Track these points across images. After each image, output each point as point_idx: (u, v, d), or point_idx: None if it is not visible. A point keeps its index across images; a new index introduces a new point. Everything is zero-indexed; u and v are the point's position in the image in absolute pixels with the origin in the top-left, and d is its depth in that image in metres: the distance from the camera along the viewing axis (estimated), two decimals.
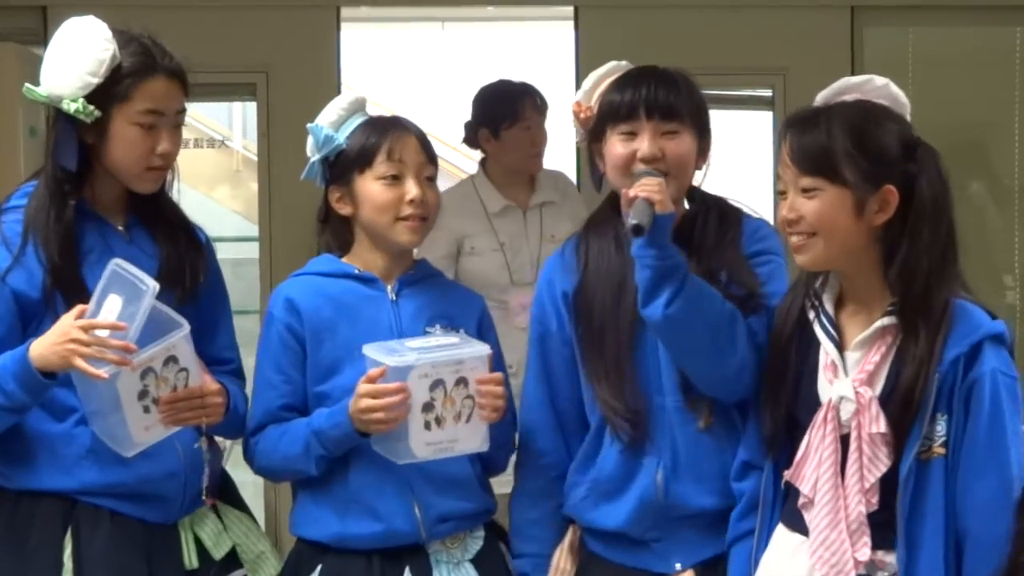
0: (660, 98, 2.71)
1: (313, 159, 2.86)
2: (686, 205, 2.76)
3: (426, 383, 2.62)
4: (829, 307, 2.48)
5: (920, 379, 2.33)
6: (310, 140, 2.87)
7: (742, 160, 6.61)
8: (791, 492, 2.51)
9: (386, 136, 2.81)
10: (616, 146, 2.71)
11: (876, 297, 2.43)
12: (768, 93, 6.17)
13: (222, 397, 2.72)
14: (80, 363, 2.50)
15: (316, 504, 2.81)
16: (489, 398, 2.67)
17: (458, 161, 9.14)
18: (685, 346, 2.62)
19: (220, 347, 2.88)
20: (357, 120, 2.86)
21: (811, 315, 2.49)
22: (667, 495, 2.68)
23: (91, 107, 2.64)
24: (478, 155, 4.90)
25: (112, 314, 2.53)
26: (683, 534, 2.69)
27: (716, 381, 2.63)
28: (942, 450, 2.35)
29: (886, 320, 2.40)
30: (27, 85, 2.70)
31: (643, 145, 2.68)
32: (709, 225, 2.74)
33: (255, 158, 6.40)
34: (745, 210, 2.80)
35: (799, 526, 2.48)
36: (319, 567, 2.78)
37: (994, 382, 2.34)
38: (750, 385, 2.62)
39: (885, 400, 2.37)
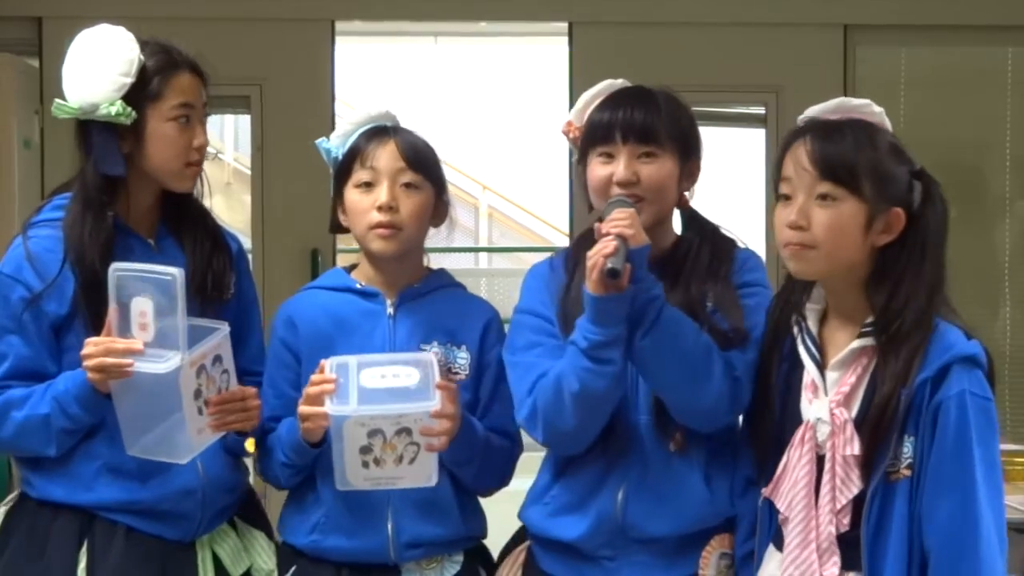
0: (636, 120, 2.63)
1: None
2: (677, 231, 2.74)
3: (363, 431, 2.58)
4: (812, 325, 2.47)
5: (893, 400, 2.33)
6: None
7: (734, 177, 6.64)
8: (776, 511, 2.51)
9: (367, 144, 2.79)
10: (595, 168, 2.67)
11: (857, 314, 2.42)
12: (761, 111, 6.20)
13: (259, 400, 2.74)
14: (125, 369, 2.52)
15: (297, 510, 2.82)
16: (431, 440, 2.61)
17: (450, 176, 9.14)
18: (659, 377, 2.58)
19: (249, 358, 2.86)
20: (361, 131, 2.83)
21: (795, 332, 2.48)
22: (625, 516, 2.63)
23: (129, 108, 2.64)
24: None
25: (148, 313, 2.53)
26: (637, 556, 2.64)
27: (691, 413, 2.59)
28: (908, 472, 2.34)
29: (860, 342, 2.40)
30: (57, 101, 2.69)
31: (618, 168, 2.63)
32: (702, 254, 2.68)
33: (246, 171, 6.40)
34: (737, 241, 2.75)
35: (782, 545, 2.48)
36: (293, 568, 2.80)
37: (961, 405, 2.32)
38: (727, 417, 2.61)
39: (860, 422, 2.37)
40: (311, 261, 6.01)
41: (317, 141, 2.87)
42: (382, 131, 2.82)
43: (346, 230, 2.85)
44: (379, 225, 2.74)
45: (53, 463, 2.68)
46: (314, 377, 2.64)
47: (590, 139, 2.69)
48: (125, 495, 2.67)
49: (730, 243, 2.74)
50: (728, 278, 2.65)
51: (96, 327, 2.60)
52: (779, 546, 2.49)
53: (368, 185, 2.76)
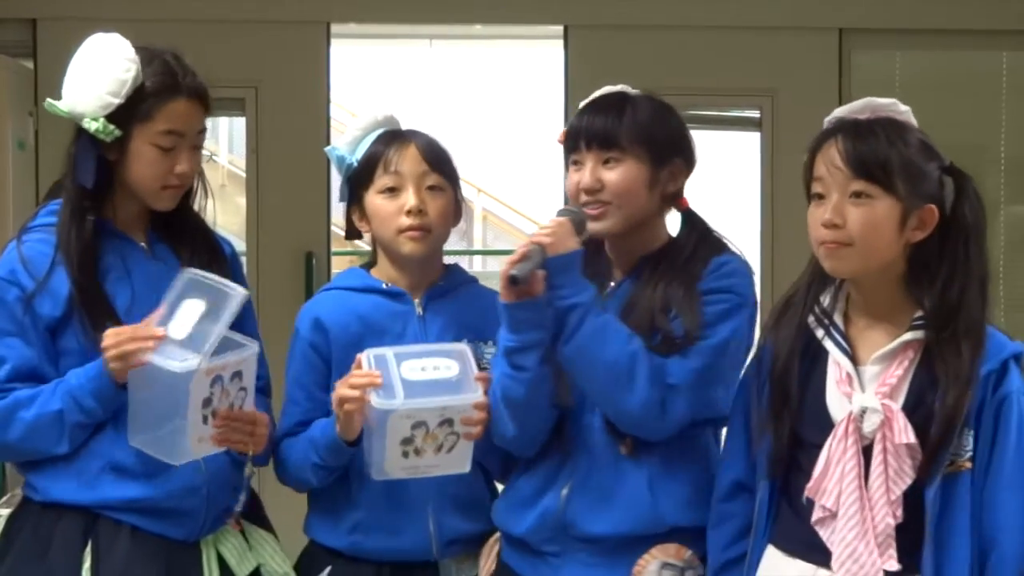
0: (597, 127, 2.67)
1: (341, 181, 2.89)
2: (672, 233, 2.75)
3: (408, 423, 2.60)
4: (839, 322, 2.47)
5: (962, 396, 2.35)
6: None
7: (730, 180, 6.63)
8: (783, 511, 2.50)
9: (386, 149, 2.82)
10: (570, 176, 2.71)
11: (895, 311, 2.44)
12: (756, 114, 6.20)
13: (268, 429, 2.75)
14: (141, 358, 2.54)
15: (329, 511, 2.83)
16: (471, 428, 2.66)
17: None
18: (584, 383, 2.61)
19: None
20: (373, 137, 2.86)
21: (819, 332, 2.48)
22: (565, 513, 2.65)
23: (111, 127, 2.64)
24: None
25: (193, 316, 2.55)
26: (579, 555, 2.66)
27: (620, 419, 2.61)
28: (968, 464, 2.36)
29: (912, 335, 2.41)
30: (49, 100, 2.70)
31: (584, 176, 2.67)
32: (679, 257, 2.70)
33: (241, 173, 6.40)
34: (730, 245, 2.75)
35: (803, 551, 2.46)
36: (328, 568, 2.82)
37: (1021, 399, 2.37)
38: (659, 425, 2.60)
39: (908, 414, 2.37)
40: (305, 264, 6.01)
41: (327, 148, 2.92)
42: (399, 135, 2.86)
43: (361, 235, 2.88)
44: (410, 228, 2.78)
45: (56, 463, 2.67)
46: (357, 371, 2.65)
47: (565, 148, 2.75)
48: (129, 493, 2.67)
49: (715, 247, 2.73)
50: (695, 283, 2.65)
51: (95, 328, 2.61)
52: (780, 546, 2.49)
53: (393, 190, 2.80)
